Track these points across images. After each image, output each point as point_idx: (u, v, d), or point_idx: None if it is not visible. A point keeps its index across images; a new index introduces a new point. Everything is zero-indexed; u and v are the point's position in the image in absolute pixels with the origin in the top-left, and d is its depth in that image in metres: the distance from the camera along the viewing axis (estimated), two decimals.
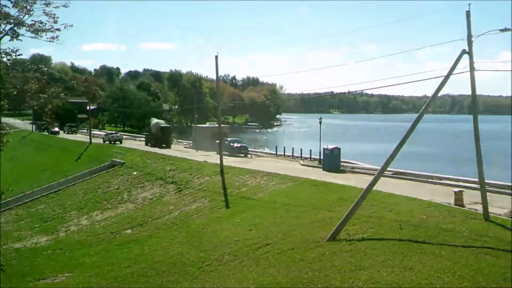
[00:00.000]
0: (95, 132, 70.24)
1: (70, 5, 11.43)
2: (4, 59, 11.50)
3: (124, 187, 33.95)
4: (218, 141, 35.16)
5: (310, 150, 38.82)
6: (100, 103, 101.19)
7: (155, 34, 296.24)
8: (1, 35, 11.09)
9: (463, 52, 14.91)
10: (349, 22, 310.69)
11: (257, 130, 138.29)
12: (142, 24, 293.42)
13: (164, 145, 49.36)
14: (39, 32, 11.24)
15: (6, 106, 12.43)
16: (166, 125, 55.91)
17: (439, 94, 16.44)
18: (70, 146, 57.84)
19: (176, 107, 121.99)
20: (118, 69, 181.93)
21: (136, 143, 58.76)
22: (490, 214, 15.38)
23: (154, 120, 56.22)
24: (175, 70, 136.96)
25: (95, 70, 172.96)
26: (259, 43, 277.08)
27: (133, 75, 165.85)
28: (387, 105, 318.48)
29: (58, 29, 11.51)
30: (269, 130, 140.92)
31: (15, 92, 12.15)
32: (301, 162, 36.93)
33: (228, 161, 34.25)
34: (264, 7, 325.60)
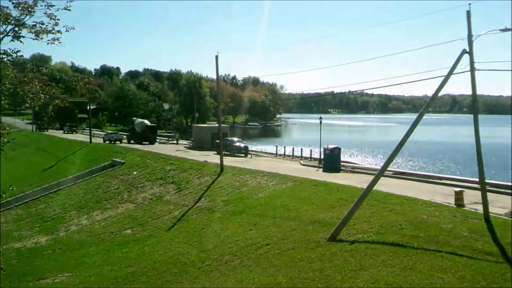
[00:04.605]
0: (95, 131, 70.26)
1: (71, 8, 11.38)
2: (5, 60, 11.47)
3: (124, 187, 33.93)
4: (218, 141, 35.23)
5: (311, 150, 38.87)
6: (100, 102, 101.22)
7: (155, 34, 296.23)
8: (2, 36, 11.06)
9: (464, 52, 14.90)
10: (349, 22, 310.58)
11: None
12: (142, 23, 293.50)
13: (147, 143, 54.09)
14: (40, 34, 11.21)
15: (7, 106, 12.44)
16: (152, 124, 61.95)
17: (440, 94, 16.44)
18: (69, 146, 57.78)
19: (176, 107, 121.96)
20: (118, 68, 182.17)
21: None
22: (490, 214, 15.37)
23: (138, 120, 61.70)
24: (175, 70, 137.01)
25: (95, 69, 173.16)
26: (259, 43, 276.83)
27: (133, 75, 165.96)
28: (387, 105, 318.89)
29: (59, 31, 11.49)
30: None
31: (16, 92, 12.16)
32: (301, 162, 36.93)
33: (228, 161, 34.28)
34: (264, 7, 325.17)
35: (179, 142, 58.83)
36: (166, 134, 73.87)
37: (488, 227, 14.22)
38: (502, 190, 21.00)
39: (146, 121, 60.42)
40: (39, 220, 31.41)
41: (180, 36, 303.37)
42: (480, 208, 15.91)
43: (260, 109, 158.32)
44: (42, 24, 11.29)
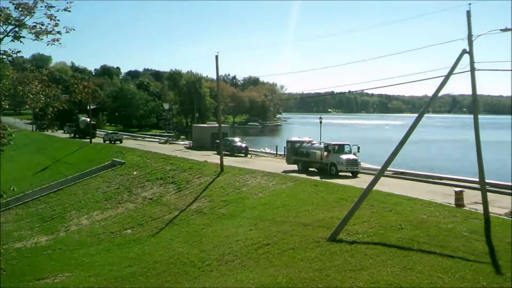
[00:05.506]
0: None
1: (71, 9, 11.37)
2: (5, 60, 11.47)
3: (124, 187, 33.93)
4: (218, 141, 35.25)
5: None
6: (100, 103, 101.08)
7: (156, 33, 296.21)
8: (2, 36, 11.06)
9: (464, 52, 14.91)
10: (349, 22, 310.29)
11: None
12: (142, 23, 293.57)
13: (88, 137, 59.76)
14: (40, 35, 11.20)
15: (7, 107, 12.43)
16: (92, 122, 66.63)
17: (440, 94, 16.45)
18: (69, 146, 57.79)
19: (176, 107, 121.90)
20: (118, 68, 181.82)
21: (136, 142, 58.83)
22: (490, 214, 15.37)
23: (82, 118, 68.03)
24: (175, 70, 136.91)
25: (95, 69, 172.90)
26: (260, 43, 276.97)
27: (133, 75, 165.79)
28: (387, 105, 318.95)
29: (59, 32, 11.49)
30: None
31: (16, 93, 12.16)
32: None
33: (229, 161, 34.27)
34: (265, 7, 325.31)
35: (176, 141, 59.37)
36: (166, 134, 73.91)
37: (487, 227, 14.24)
38: (502, 190, 21.01)
39: (87, 119, 65.38)
40: (39, 220, 31.42)
41: (180, 36, 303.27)
42: (480, 208, 15.90)
43: (260, 109, 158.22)
44: (42, 25, 11.28)
